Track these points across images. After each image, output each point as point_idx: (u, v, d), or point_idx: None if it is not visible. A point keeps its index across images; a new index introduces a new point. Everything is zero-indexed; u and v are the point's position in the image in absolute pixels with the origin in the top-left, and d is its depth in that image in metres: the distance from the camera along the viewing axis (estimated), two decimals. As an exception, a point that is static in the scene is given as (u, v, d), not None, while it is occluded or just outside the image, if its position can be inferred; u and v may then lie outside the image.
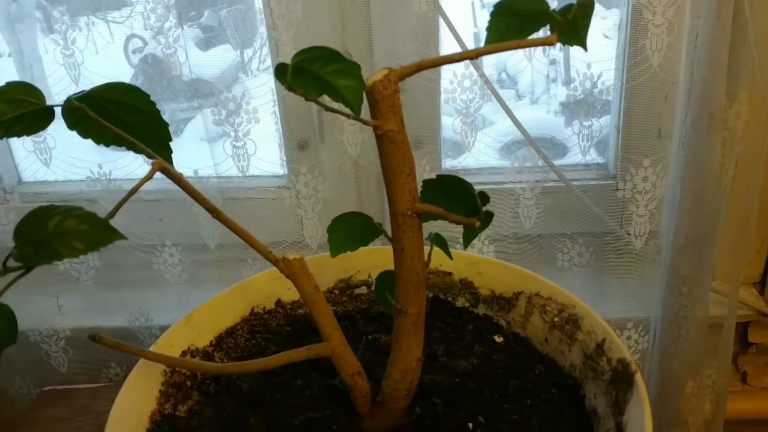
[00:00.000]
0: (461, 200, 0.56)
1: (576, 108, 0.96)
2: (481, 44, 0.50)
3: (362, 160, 1.00)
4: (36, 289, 1.12)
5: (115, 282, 1.10)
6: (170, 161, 0.55)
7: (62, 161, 1.02)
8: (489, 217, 0.55)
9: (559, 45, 0.96)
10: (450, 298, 0.80)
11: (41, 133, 0.97)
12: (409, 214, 0.53)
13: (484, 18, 1.00)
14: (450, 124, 0.98)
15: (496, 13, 0.49)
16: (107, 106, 0.52)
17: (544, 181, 0.99)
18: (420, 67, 0.49)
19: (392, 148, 0.51)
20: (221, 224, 0.55)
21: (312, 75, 0.48)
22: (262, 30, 1.00)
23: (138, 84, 1.02)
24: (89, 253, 0.44)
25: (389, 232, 0.55)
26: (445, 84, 0.95)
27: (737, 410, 1.15)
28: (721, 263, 1.04)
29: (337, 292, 0.81)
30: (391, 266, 0.57)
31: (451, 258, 0.62)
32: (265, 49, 1.03)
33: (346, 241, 0.59)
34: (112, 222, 0.47)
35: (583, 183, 1.02)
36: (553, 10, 0.48)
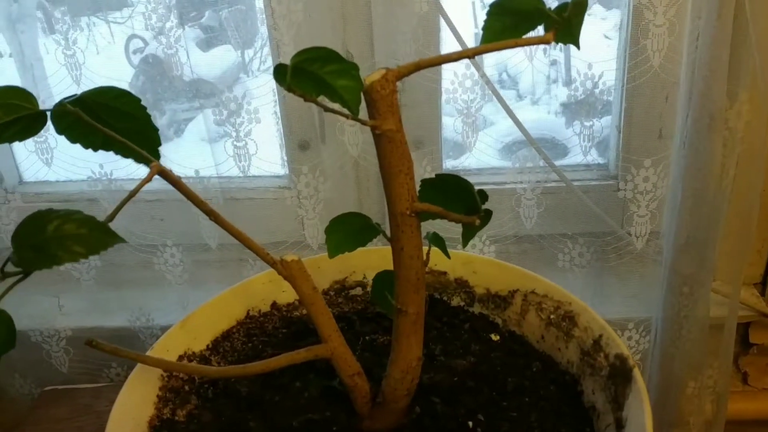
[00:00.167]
0: (460, 199, 0.56)
1: (577, 108, 0.96)
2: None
3: (363, 161, 1.00)
4: (37, 289, 1.12)
5: (116, 282, 1.10)
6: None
7: (63, 161, 1.02)
8: (488, 215, 0.55)
9: (560, 45, 0.97)
10: (445, 298, 0.80)
11: (42, 133, 0.98)
12: (408, 213, 0.53)
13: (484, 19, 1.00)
14: (451, 124, 0.98)
15: (492, 13, 0.49)
16: (98, 111, 0.52)
17: (545, 182, 0.99)
18: (418, 67, 0.49)
19: (390, 147, 0.51)
20: (221, 225, 0.55)
21: (311, 75, 0.48)
22: (263, 30, 1.00)
23: (139, 84, 1.02)
24: (89, 257, 0.44)
25: (388, 232, 0.56)
26: (446, 84, 0.95)
27: (738, 411, 1.15)
28: (722, 263, 1.03)
29: (332, 293, 0.81)
30: (387, 266, 0.57)
31: (449, 257, 0.62)
32: (266, 50, 1.03)
33: (345, 242, 0.59)
34: (113, 223, 0.47)
35: (584, 183, 1.02)
36: (549, 8, 0.48)
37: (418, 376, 0.61)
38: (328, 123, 0.98)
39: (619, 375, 0.62)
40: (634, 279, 1.05)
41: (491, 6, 0.49)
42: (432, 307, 0.79)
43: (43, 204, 1.06)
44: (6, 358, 0.46)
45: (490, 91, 0.92)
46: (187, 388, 0.68)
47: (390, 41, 0.91)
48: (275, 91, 0.98)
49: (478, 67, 0.91)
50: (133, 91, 0.54)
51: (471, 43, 0.91)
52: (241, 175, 1.00)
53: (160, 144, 0.55)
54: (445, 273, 0.80)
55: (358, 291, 0.81)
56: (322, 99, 0.48)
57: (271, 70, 1.00)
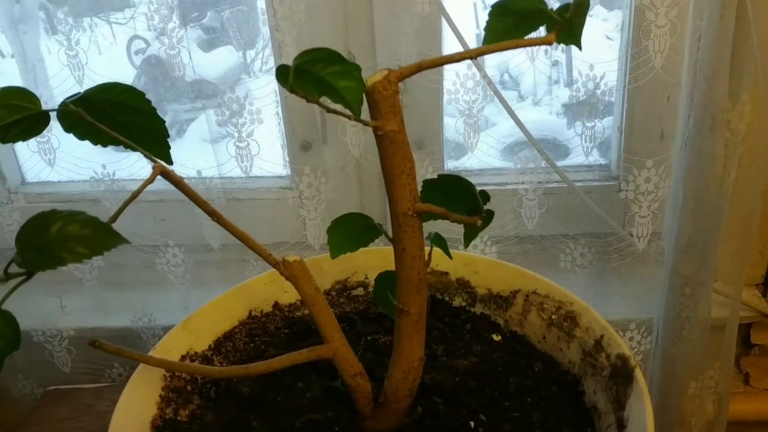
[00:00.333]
0: (462, 199, 0.56)
1: (578, 109, 0.96)
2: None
3: (365, 161, 1.00)
4: (39, 289, 1.12)
5: (118, 282, 1.11)
6: (169, 159, 0.55)
7: (66, 161, 1.02)
8: (490, 216, 0.55)
9: (561, 46, 0.97)
10: (447, 298, 0.80)
11: (45, 133, 0.98)
12: (410, 214, 0.53)
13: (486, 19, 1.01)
14: (452, 125, 0.98)
15: (494, 14, 0.49)
16: (103, 107, 0.52)
17: (547, 182, 0.99)
18: (419, 68, 0.49)
19: (392, 148, 0.51)
20: (223, 225, 0.55)
21: (313, 76, 0.48)
22: (265, 31, 1.00)
23: (141, 85, 1.03)
24: (93, 257, 0.44)
25: (390, 233, 0.56)
26: (448, 85, 0.95)
27: (740, 411, 1.15)
28: (723, 264, 1.03)
29: (334, 293, 0.81)
30: (389, 267, 0.57)
31: (451, 258, 0.63)
32: (268, 50, 1.03)
33: (346, 242, 0.59)
34: (115, 223, 0.47)
35: (585, 184, 1.02)
36: (551, 9, 0.48)
37: (419, 377, 0.61)
38: (329, 123, 0.98)
39: (621, 375, 0.62)
40: (635, 280, 1.05)
41: (493, 7, 0.49)
42: (434, 308, 0.79)
43: (46, 204, 1.06)
44: (9, 358, 0.46)
45: (491, 92, 0.92)
46: (189, 388, 0.68)
47: (392, 42, 0.91)
48: (277, 91, 0.98)
49: (480, 68, 0.91)
50: (135, 92, 0.54)
51: (472, 43, 0.91)
52: (243, 175, 1.00)
53: (167, 135, 0.55)
54: (446, 273, 0.80)
55: (360, 291, 0.81)
56: (325, 100, 0.48)
57: (273, 70, 1.00)
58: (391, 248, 0.56)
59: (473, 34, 1.00)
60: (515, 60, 0.99)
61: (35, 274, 0.46)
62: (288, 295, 0.78)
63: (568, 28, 0.49)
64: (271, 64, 1.02)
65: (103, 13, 1.00)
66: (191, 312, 0.73)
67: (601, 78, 0.93)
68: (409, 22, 0.90)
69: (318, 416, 0.65)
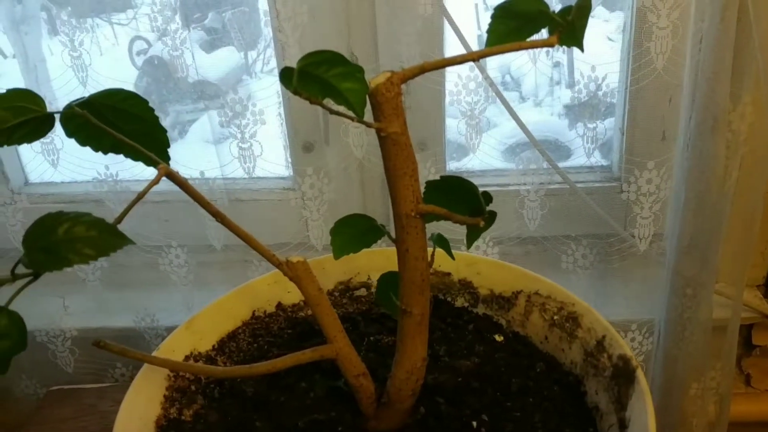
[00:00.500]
0: (464, 200, 0.56)
1: (580, 110, 0.96)
2: (484, 47, 0.51)
3: (367, 162, 1.00)
4: (43, 289, 1.11)
5: (121, 283, 1.11)
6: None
7: (69, 162, 1.03)
8: (492, 216, 0.56)
9: (563, 47, 0.97)
10: (449, 299, 0.81)
11: (49, 134, 0.98)
12: (413, 215, 0.53)
13: (487, 20, 1.01)
14: (454, 126, 0.98)
15: (497, 16, 0.50)
16: (106, 114, 0.52)
17: (549, 183, 0.99)
18: (422, 70, 0.50)
19: (395, 150, 0.51)
20: (226, 226, 0.56)
21: (316, 78, 0.48)
22: (266, 32, 1.00)
23: (143, 85, 1.03)
24: (99, 259, 0.45)
25: (392, 234, 0.56)
26: (450, 86, 0.95)
27: (741, 412, 1.15)
28: (724, 265, 1.03)
29: (337, 294, 0.81)
30: (391, 267, 0.58)
31: (453, 258, 0.63)
32: (269, 51, 1.03)
33: (349, 243, 0.59)
34: (119, 225, 0.47)
35: (587, 185, 1.02)
36: (553, 11, 0.48)
37: (422, 377, 0.61)
38: (332, 125, 0.98)
39: (623, 375, 0.62)
40: (637, 281, 1.05)
41: (496, 9, 0.50)
42: (436, 308, 0.79)
43: (49, 205, 1.07)
44: (12, 358, 0.46)
45: (493, 93, 0.92)
46: (193, 388, 0.69)
47: (394, 43, 0.92)
48: (280, 92, 0.98)
49: (482, 70, 0.92)
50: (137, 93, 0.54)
51: (473, 44, 0.91)
52: (246, 176, 1.00)
53: (168, 145, 0.55)
54: (449, 274, 0.80)
55: (363, 292, 0.82)
56: (328, 101, 0.49)
57: (275, 71, 1.01)
58: (393, 249, 0.56)
59: (474, 35, 1.00)
60: (517, 61, 0.99)
61: (41, 275, 0.46)
62: (291, 295, 0.78)
63: (570, 31, 0.49)
64: (273, 65, 1.02)
65: (105, 14, 1.00)
66: (194, 312, 0.73)
67: (603, 79, 0.93)
68: (411, 24, 0.90)
69: (321, 416, 0.65)
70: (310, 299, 0.59)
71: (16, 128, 0.50)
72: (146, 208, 1.04)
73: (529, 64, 0.97)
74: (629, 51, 0.91)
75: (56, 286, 1.12)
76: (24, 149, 1.09)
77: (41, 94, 0.52)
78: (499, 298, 0.78)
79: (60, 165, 1.03)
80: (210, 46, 1.02)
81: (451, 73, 0.94)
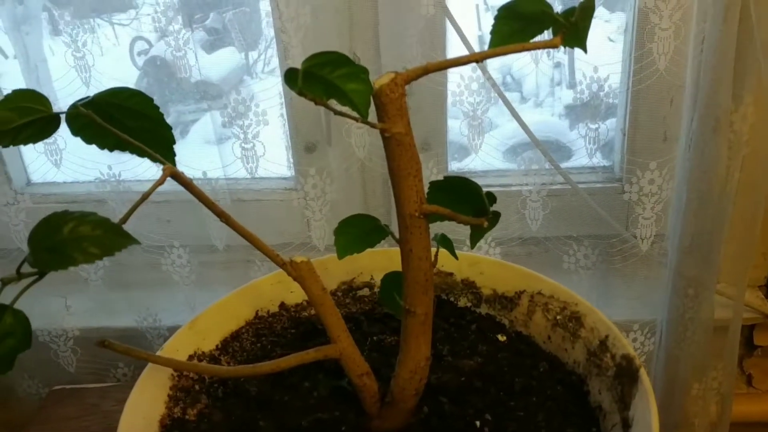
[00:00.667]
0: (468, 201, 0.56)
1: (581, 111, 0.96)
2: (486, 47, 0.51)
3: (369, 162, 1.00)
4: (45, 289, 1.11)
5: (123, 282, 1.11)
6: (173, 165, 0.55)
7: (72, 162, 1.03)
8: (496, 217, 0.56)
9: (564, 48, 0.97)
10: (452, 299, 0.81)
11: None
12: (417, 215, 0.53)
13: (487, 21, 1.01)
14: (456, 126, 0.99)
15: (500, 17, 0.50)
16: (111, 112, 0.53)
17: (551, 184, 0.99)
18: (426, 71, 0.50)
19: (399, 150, 0.51)
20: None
21: (321, 79, 0.48)
22: (267, 32, 1.01)
23: (144, 86, 1.03)
24: (104, 258, 0.45)
25: (396, 234, 0.56)
26: (452, 87, 0.95)
27: (742, 413, 1.15)
28: (726, 266, 1.04)
29: (340, 294, 0.81)
30: (394, 267, 0.58)
31: (457, 258, 0.63)
32: (270, 52, 1.03)
33: (353, 243, 0.60)
34: (123, 225, 0.47)
35: (589, 185, 1.02)
36: (556, 13, 0.49)
37: (426, 376, 0.61)
38: (334, 125, 0.98)
39: (626, 375, 0.63)
40: (638, 281, 1.05)
41: (500, 10, 0.50)
42: (439, 308, 0.79)
43: (52, 205, 1.07)
44: (16, 357, 0.46)
45: (495, 94, 0.92)
46: (197, 387, 0.69)
47: (397, 44, 0.92)
48: (282, 93, 0.98)
49: (484, 70, 0.92)
50: (138, 93, 0.54)
51: (474, 45, 0.91)
52: (248, 176, 1.00)
53: (174, 142, 0.55)
54: (452, 274, 0.80)
55: (366, 292, 0.82)
56: (332, 102, 0.49)
57: (276, 72, 1.01)
58: (395, 249, 0.56)
59: (475, 35, 1.00)
60: (519, 62, 0.99)
61: (46, 274, 0.46)
62: (294, 295, 0.78)
63: (573, 32, 0.49)
64: (273, 66, 1.03)
65: (106, 14, 1.00)
66: (196, 312, 0.73)
67: (605, 80, 0.93)
68: (413, 24, 0.90)
69: (325, 415, 0.65)
70: (313, 299, 0.59)
71: (22, 128, 0.51)
72: (148, 208, 1.04)
73: (531, 65, 0.97)
74: (631, 51, 0.91)
75: (58, 285, 1.13)
76: (27, 149, 1.09)
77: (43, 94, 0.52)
78: (502, 298, 0.78)
79: (63, 165, 1.03)
80: (211, 47, 1.02)
81: (454, 73, 0.95)
